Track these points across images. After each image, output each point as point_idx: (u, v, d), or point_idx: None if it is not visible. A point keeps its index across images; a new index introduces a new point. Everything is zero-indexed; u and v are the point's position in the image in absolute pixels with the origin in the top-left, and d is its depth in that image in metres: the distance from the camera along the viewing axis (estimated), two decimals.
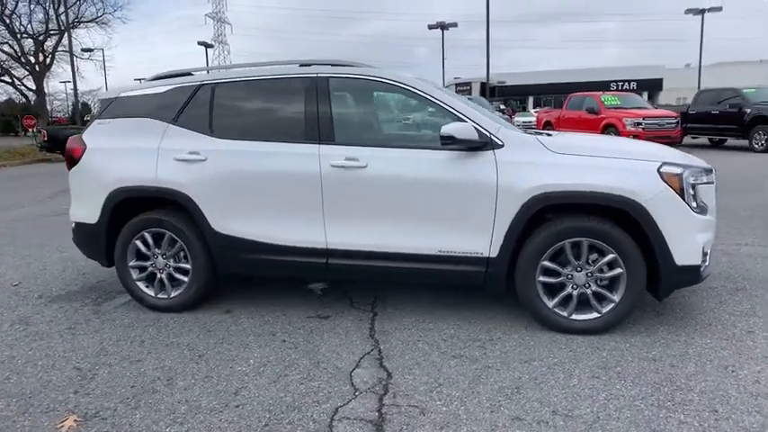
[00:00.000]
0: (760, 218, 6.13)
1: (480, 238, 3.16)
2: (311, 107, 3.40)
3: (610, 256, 3.05)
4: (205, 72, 3.78)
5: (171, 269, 3.67)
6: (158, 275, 3.69)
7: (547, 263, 3.12)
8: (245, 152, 3.43)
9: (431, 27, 36.81)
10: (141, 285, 3.73)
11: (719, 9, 31.69)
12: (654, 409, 2.38)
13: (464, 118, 3.20)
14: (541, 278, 3.15)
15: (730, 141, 16.39)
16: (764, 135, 14.08)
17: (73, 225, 3.88)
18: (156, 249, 3.66)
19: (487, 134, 3.14)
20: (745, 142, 14.84)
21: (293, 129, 3.44)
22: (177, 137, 3.57)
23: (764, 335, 3.09)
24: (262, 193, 3.41)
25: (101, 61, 38.23)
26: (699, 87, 33.59)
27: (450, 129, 3.04)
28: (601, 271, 3.10)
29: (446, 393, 2.58)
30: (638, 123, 14.70)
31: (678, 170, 2.99)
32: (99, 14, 32.16)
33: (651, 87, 48.30)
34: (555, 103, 40.72)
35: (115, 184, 3.60)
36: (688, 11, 32.64)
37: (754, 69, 42.77)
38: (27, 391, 2.69)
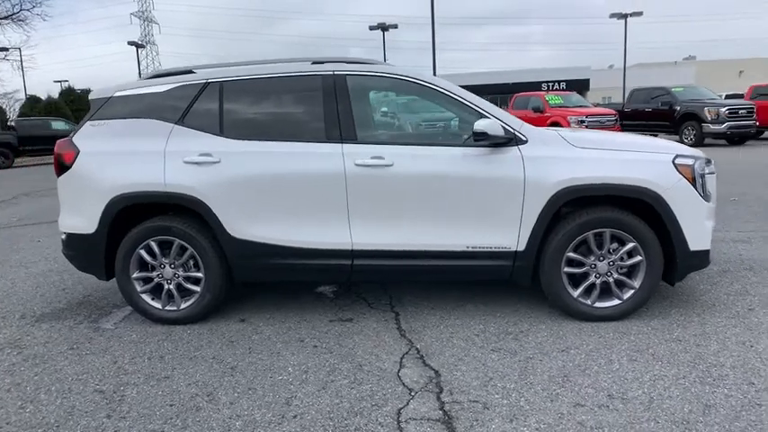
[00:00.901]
0: (721, 205, 6.64)
1: (508, 233, 3.21)
2: (330, 106, 3.32)
3: (630, 245, 3.20)
4: (208, 70, 3.59)
5: (180, 279, 3.46)
6: (166, 286, 3.47)
7: (571, 254, 3.23)
8: (263, 153, 3.30)
9: (371, 28, 36.92)
10: (146, 298, 3.49)
11: (641, 14, 34.09)
12: (698, 385, 2.53)
13: (488, 115, 3.24)
14: (566, 269, 3.25)
15: (662, 136, 17.65)
16: (693, 131, 15.28)
17: (63, 236, 3.57)
18: (164, 259, 3.43)
19: (512, 130, 3.21)
20: (675, 137, 16.05)
21: (312, 128, 3.34)
22: (185, 138, 3.37)
23: (764, 311, 3.36)
24: (283, 194, 3.29)
25: (18, 61, 35.23)
26: (623, 87, 35.93)
27: (482, 125, 3.08)
28: (621, 259, 3.24)
29: (501, 386, 2.60)
30: (582, 121, 15.48)
31: (690, 161, 3.20)
32: (15, 11, 29.69)
33: (579, 87, 51.04)
34: (493, 103, 42.01)
35: (116, 191, 3.34)
36: (612, 15, 34.87)
37: (671, 70, 46.29)
38: (51, 421, 2.44)
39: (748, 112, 14.70)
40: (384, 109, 3.70)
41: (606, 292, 3.29)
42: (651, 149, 3.26)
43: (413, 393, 2.58)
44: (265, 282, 4.10)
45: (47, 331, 3.48)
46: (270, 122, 3.41)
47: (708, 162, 3.38)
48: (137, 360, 3.02)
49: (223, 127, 3.38)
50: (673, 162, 3.17)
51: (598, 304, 3.28)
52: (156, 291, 3.50)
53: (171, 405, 2.54)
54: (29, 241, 6.27)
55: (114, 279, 3.52)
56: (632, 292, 3.25)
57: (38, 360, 3.06)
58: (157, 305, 3.49)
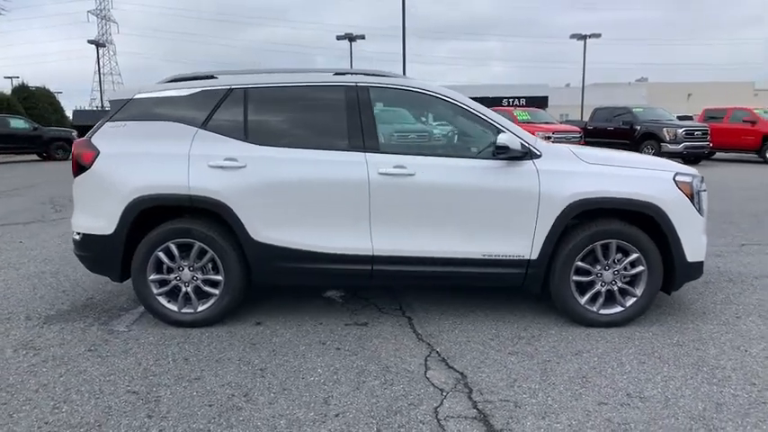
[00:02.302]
0: None
1: (523, 242, 3.39)
2: (354, 116, 3.43)
3: (634, 256, 3.43)
4: (230, 76, 3.63)
5: (199, 282, 3.46)
6: (183, 289, 3.46)
7: (580, 263, 3.44)
8: (288, 159, 3.36)
9: (339, 38, 37.08)
10: (162, 300, 3.47)
11: (599, 35, 35.76)
12: (706, 385, 2.76)
13: (504, 129, 3.43)
14: (575, 277, 3.46)
15: None
16: (652, 150, 16.13)
17: (78, 237, 3.51)
18: (182, 261, 3.43)
19: (527, 144, 3.40)
20: None
21: (336, 137, 3.43)
22: (209, 142, 3.40)
23: (750, 319, 3.66)
24: (306, 200, 3.36)
25: None
26: (582, 105, 37.49)
27: (505, 139, 3.25)
28: (625, 269, 3.47)
29: (526, 387, 2.76)
30: (549, 137, 16.09)
31: (689, 179, 3.47)
32: None
33: (538, 104, 52.95)
34: None
35: (137, 192, 3.33)
36: (573, 35, 36.41)
37: (624, 90, 48.61)
38: (91, 420, 2.42)
39: (703, 134, 15.67)
40: (407, 120, 3.83)
41: (609, 299, 3.52)
42: (653, 167, 3.53)
43: (444, 393, 2.70)
44: (278, 285, 4.14)
45: (59, 333, 3.41)
46: (294, 130, 3.48)
47: (702, 180, 3.68)
48: (161, 362, 3.01)
49: (248, 133, 3.43)
50: (674, 179, 3.44)
51: (603, 311, 3.50)
52: (173, 293, 3.50)
53: (210, 405, 2.56)
54: (9, 243, 6.03)
55: (115, 282, 3.49)
56: (634, 299, 3.48)
57: (58, 361, 3.01)
58: (173, 307, 3.47)
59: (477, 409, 2.55)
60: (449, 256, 3.40)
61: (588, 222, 3.42)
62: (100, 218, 3.41)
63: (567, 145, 3.98)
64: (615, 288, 3.49)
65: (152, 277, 3.44)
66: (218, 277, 3.45)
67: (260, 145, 3.40)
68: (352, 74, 3.60)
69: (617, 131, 17.36)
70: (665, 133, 15.48)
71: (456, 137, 4.05)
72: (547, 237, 3.37)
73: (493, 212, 3.37)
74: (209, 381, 2.80)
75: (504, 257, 3.40)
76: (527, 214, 3.36)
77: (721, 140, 16.67)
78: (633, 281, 3.50)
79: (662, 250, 3.45)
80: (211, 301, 3.47)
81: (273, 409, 2.53)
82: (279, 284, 4.11)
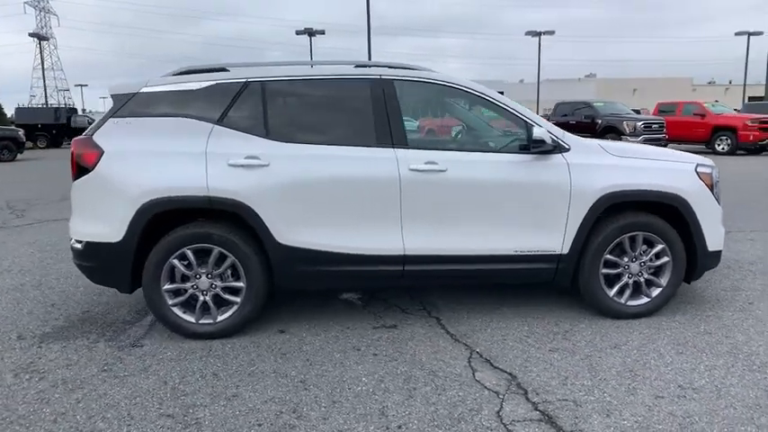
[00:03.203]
0: None
1: (554, 237, 3.35)
2: (380, 110, 3.28)
3: (659, 247, 3.46)
4: (244, 68, 3.39)
5: (218, 290, 3.22)
6: (201, 298, 3.22)
7: (609, 256, 3.44)
8: (314, 156, 3.17)
9: (298, 33, 36.47)
10: (178, 311, 3.21)
11: (553, 33, 36.81)
12: (749, 373, 2.80)
13: (533, 123, 3.37)
14: (604, 270, 3.45)
15: None
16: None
17: (80, 246, 3.19)
18: (200, 268, 3.18)
19: (556, 138, 3.36)
20: None
21: (362, 132, 3.27)
22: (227, 139, 3.16)
23: (762, 305, 3.77)
24: (335, 199, 3.18)
25: None
26: (537, 101, 38.50)
27: (540, 133, 3.19)
28: (651, 260, 3.50)
29: (579, 384, 2.71)
30: None
31: (709, 170, 3.53)
32: None
33: None
34: None
35: (150, 195, 3.05)
36: (528, 32, 37.34)
37: (575, 86, 50.37)
38: None
39: (660, 127, 16.37)
40: (434, 114, 3.72)
41: (636, 291, 3.53)
42: (675, 159, 3.57)
43: (501, 396, 2.61)
44: (293, 290, 3.93)
45: (61, 352, 3.09)
46: (317, 125, 3.30)
47: (718, 171, 3.75)
48: (189, 379, 2.78)
49: (269, 128, 3.21)
50: (695, 170, 3.49)
51: (630, 302, 3.51)
52: (189, 303, 3.24)
53: (259, 425, 2.37)
54: None
55: (124, 293, 3.22)
56: (660, 290, 3.52)
57: (70, 385, 2.71)
58: (190, 318, 3.22)
59: (540, 411, 2.48)
60: (480, 253, 3.32)
61: (616, 215, 3.41)
62: (106, 224, 3.11)
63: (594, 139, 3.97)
64: (642, 279, 3.51)
65: (166, 287, 3.18)
66: (239, 284, 3.22)
67: (282, 142, 3.19)
68: (373, 66, 3.45)
69: (579, 125, 17.85)
70: (626, 126, 16.06)
71: (483, 131, 3.96)
72: (578, 231, 3.34)
73: (524, 207, 3.31)
74: (250, 397, 2.60)
75: (535, 253, 3.35)
76: (558, 208, 3.32)
77: (674, 132, 17.44)
78: (658, 271, 3.53)
79: (684, 240, 3.50)
80: (232, 310, 3.24)
81: (329, 424, 2.37)
82: (303, 290, 3.92)
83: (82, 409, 2.49)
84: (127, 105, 3.20)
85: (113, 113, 3.20)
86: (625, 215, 3.41)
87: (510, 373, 2.83)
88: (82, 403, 2.55)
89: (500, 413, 2.46)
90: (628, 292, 3.50)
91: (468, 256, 3.32)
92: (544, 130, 3.25)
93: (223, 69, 3.40)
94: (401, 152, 3.24)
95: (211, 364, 2.95)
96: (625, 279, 3.49)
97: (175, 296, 3.21)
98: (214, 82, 3.25)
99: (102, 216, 3.13)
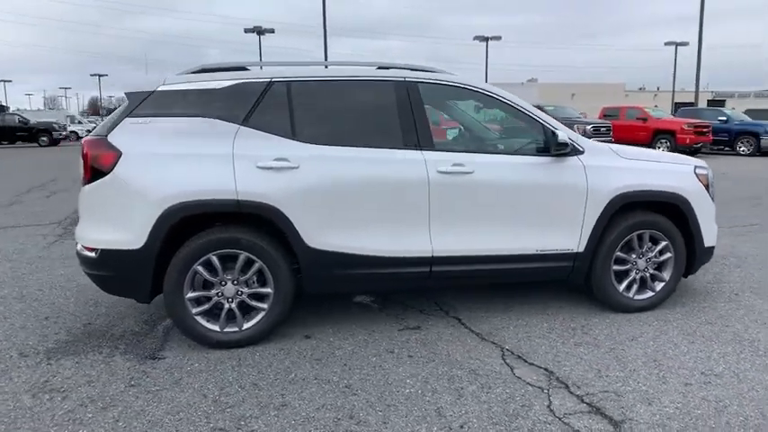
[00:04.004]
0: None
1: (572, 236, 3.49)
2: (406, 112, 3.29)
3: (663, 244, 3.68)
4: (267, 68, 3.29)
5: (244, 296, 3.12)
6: (226, 306, 3.10)
7: (619, 253, 3.62)
8: (343, 158, 3.14)
9: (247, 31, 35.61)
10: (201, 320, 3.08)
11: (500, 38, 38.05)
12: (758, 358, 3.03)
13: (550, 127, 3.49)
14: (615, 267, 3.63)
15: None
16: None
17: (93, 254, 2.99)
18: (225, 275, 3.07)
19: (572, 141, 3.49)
20: None
21: (389, 134, 3.27)
22: (254, 140, 3.06)
23: (746, 295, 4.09)
24: (365, 201, 3.16)
25: None
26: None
27: (564, 137, 3.31)
28: (655, 256, 3.71)
29: (613, 376, 2.84)
30: None
31: (705, 171, 3.79)
32: None
33: None
34: None
35: (174, 199, 2.91)
36: (476, 37, 38.38)
37: (518, 90, 52.16)
38: None
39: (607, 130, 17.31)
40: (458, 117, 3.75)
41: (641, 286, 3.74)
42: (675, 160, 3.81)
43: (546, 391, 2.69)
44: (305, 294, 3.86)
45: (77, 369, 2.88)
46: (344, 127, 3.26)
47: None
48: (228, 390, 2.67)
49: (295, 130, 3.15)
50: (694, 171, 3.74)
51: (637, 297, 3.71)
52: (212, 311, 3.11)
53: None
54: None
55: (142, 302, 3.06)
56: (663, 284, 3.74)
57: (101, 403, 2.54)
58: (215, 327, 3.10)
59: (586, 403, 2.57)
60: (505, 253, 3.40)
61: (626, 214, 3.59)
62: (125, 230, 2.94)
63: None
64: (647, 275, 3.72)
65: (189, 295, 3.04)
66: (266, 290, 3.13)
67: (310, 143, 3.13)
68: (395, 68, 3.45)
69: None
70: (576, 129, 16.81)
71: (505, 133, 4.05)
72: (593, 230, 3.50)
73: (545, 208, 3.43)
74: (300, 406, 2.53)
75: (555, 252, 3.47)
76: (576, 208, 3.46)
77: (619, 135, 18.45)
78: (660, 267, 3.75)
79: (684, 237, 3.73)
80: (258, 317, 3.14)
81: (391, 428, 2.36)
82: (330, 294, 3.88)
83: (123, 429, 2.34)
84: (143, 105, 3.04)
85: (129, 113, 3.02)
86: (634, 214, 3.60)
87: (546, 369, 2.93)
88: (121, 422, 2.39)
89: (550, 407, 2.54)
90: (635, 287, 3.70)
91: (492, 256, 3.40)
92: (563, 133, 3.38)
93: (243, 68, 3.30)
94: (428, 154, 3.27)
95: (246, 373, 2.85)
96: (633, 275, 3.69)
97: (198, 304, 3.08)
98: (237, 81, 3.14)
99: (120, 222, 2.95)
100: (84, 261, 3.08)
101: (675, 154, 4.09)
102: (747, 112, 20.59)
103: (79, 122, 40.48)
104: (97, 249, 2.98)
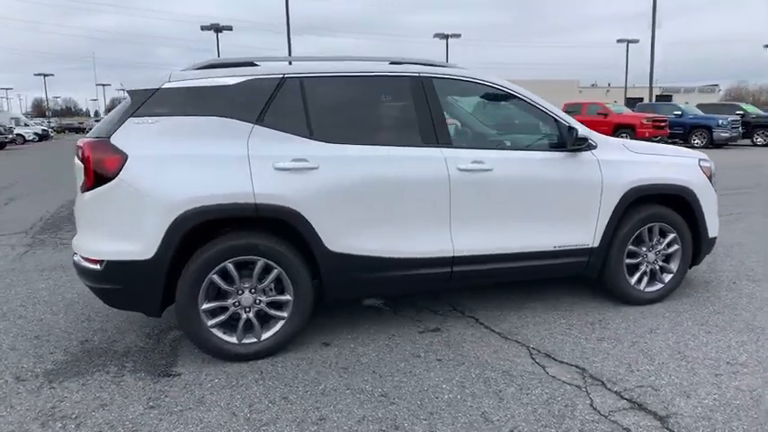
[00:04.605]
0: None
1: (587, 231, 3.48)
2: (422, 108, 3.19)
3: (671, 236, 3.73)
4: (276, 63, 3.12)
5: (263, 305, 2.94)
6: (244, 316, 2.92)
7: (631, 246, 3.64)
8: (364, 158, 3.01)
9: (204, 28, 34.64)
10: (218, 332, 2.89)
11: (459, 36, 38.49)
12: None
13: (564, 122, 3.47)
14: (627, 260, 3.65)
15: None
16: None
17: (98, 266, 2.75)
18: (243, 283, 2.89)
19: (587, 136, 3.49)
20: None
21: (407, 131, 3.17)
22: (269, 140, 2.89)
23: (743, 283, 4.22)
24: (386, 202, 3.05)
25: None
26: None
27: (583, 131, 3.29)
28: (664, 249, 3.76)
29: (645, 370, 2.84)
30: None
31: (708, 164, 3.87)
32: None
33: None
34: None
35: (188, 204, 2.71)
36: (436, 35, 38.68)
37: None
38: None
39: None
40: (473, 112, 3.68)
41: (651, 278, 3.78)
42: (681, 154, 3.87)
43: (583, 389, 2.66)
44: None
45: (85, 392, 2.64)
46: (361, 124, 3.13)
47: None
48: (258, 407, 2.51)
49: (312, 128, 2.99)
50: (699, 164, 3.81)
51: (647, 289, 3.75)
52: (229, 323, 2.93)
53: None
54: None
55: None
56: (671, 276, 3.79)
57: (122, 429, 2.33)
58: (232, 339, 2.92)
59: (626, 399, 2.56)
60: (524, 250, 3.36)
61: (637, 208, 3.62)
62: (133, 239, 2.71)
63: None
64: (657, 267, 3.77)
65: (204, 306, 2.84)
66: (285, 297, 2.97)
67: (328, 142, 2.99)
68: (408, 63, 3.35)
69: None
70: None
71: (518, 129, 4.00)
72: (607, 224, 3.51)
73: (563, 203, 3.41)
74: (339, 419, 2.40)
75: (572, 247, 3.47)
76: (591, 203, 3.46)
77: None
78: (668, 259, 3.81)
79: (690, 229, 3.80)
80: (278, 327, 2.98)
81: None
82: (353, 298, 3.75)
83: None
84: (148, 103, 2.81)
85: (132, 112, 2.80)
86: (645, 208, 3.63)
87: (577, 366, 2.90)
88: None
89: (593, 406, 2.51)
90: (645, 280, 3.74)
91: (511, 254, 3.35)
92: (582, 128, 3.37)
93: (252, 64, 3.11)
94: (447, 151, 3.18)
95: (273, 387, 2.69)
96: (643, 268, 3.73)
97: (213, 316, 2.89)
98: (249, 77, 2.96)
99: (127, 230, 2.73)
100: (86, 274, 2.83)
101: (678, 147, 4.18)
102: (699, 106, 21.60)
103: (26, 125, 38.35)
104: (102, 261, 2.74)
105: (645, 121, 17.78)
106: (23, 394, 2.64)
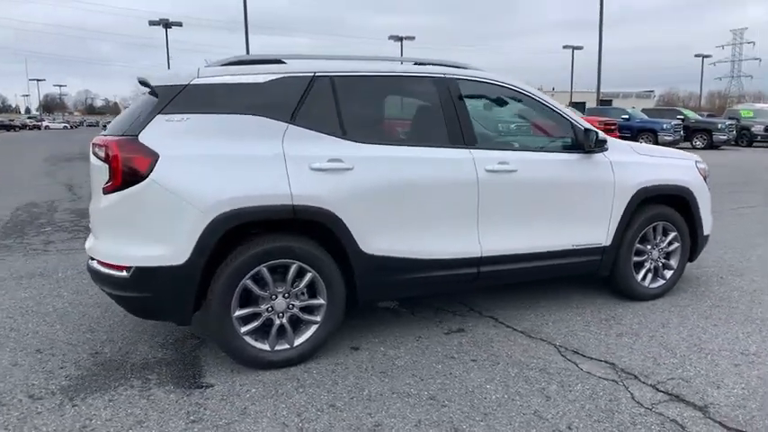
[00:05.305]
0: None
1: (601, 230, 3.60)
2: (449, 109, 3.19)
3: (672, 234, 3.92)
4: (305, 61, 3.01)
5: (296, 310, 2.84)
6: (277, 321, 2.81)
7: (638, 245, 3.79)
8: (396, 158, 2.97)
9: (152, 23, 33.17)
10: (250, 340, 2.77)
11: (413, 38, 38.97)
12: None
13: (580, 125, 3.57)
14: (634, 258, 3.80)
15: None
16: None
17: (125, 273, 2.56)
18: (277, 288, 2.78)
19: (606, 138, 3.60)
20: None
21: (436, 132, 3.16)
22: (304, 140, 2.80)
23: (730, 278, 4.48)
24: (419, 203, 3.02)
25: None
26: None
27: (601, 133, 3.39)
28: (666, 246, 3.94)
29: (670, 363, 2.96)
30: None
31: (704, 165, 4.09)
32: None
33: None
34: None
35: (225, 206, 2.58)
36: (391, 37, 38.95)
37: None
38: None
39: None
40: (496, 114, 3.70)
41: (654, 275, 3.95)
42: (680, 156, 4.07)
43: (620, 384, 2.74)
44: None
45: (114, 408, 2.46)
46: (392, 124, 3.10)
47: None
48: (308, 416, 2.42)
49: (344, 128, 2.92)
50: (696, 165, 4.02)
51: (651, 285, 3.92)
52: (261, 329, 2.81)
53: None
54: None
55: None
56: (672, 272, 3.98)
57: None
58: (264, 347, 2.80)
59: (663, 392, 2.66)
60: (545, 250, 3.43)
61: (644, 207, 3.77)
62: (165, 243, 2.55)
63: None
64: (660, 264, 3.94)
65: (237, 313, 2.72)
66: (319, 301, 2.89)
67: (361, 142, 2.93)
68: (432, 64, 3.34)
69: None
70: None
71: (534, 131, 4.05)
72: (618, 223, 3.64)
73: (580, 203, 3.50)
74: (396, 424, 2.36)
75: (588, 246, 3.57)
76: (605, 203, 3.58)
77: None
78: (669, 256, 3.99)
79: (688, 227, 4.00)
80: (311, 331, 2.89)
81: None
82: (384, 301, 3.70)
83: None
84: (176, 100, 2.66)
85: (161, 109, 2.63)
86: (651, 207, 3.80)
87: (606, 362, 2.98)
88: None
89: (635, 399, 2.59)
90: (650, 277, 3.91)
91: (534, 253, 3.41)
92: (598, 131, 3.48)
93: (279, 61, 3.01)
94: (475, 152, 3.20)
95: (316, 394, 2.61)
96: (647, 265, 3.89)
97: (245, 323, 2.77)
98: (280, 75, 2.85)
99: (158, 234, 2.56)
100: (108, 281, 2.64)
101: (674, 149, 4.40)
102: (644, 110, 22.84)
103: None
104: (130, 267, 2.56)
105: (597, 125, 18.59)
106: (45, 414, 2.43)
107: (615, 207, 3.61)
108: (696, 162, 4.08)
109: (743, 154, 19.27)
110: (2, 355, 3.02)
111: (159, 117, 2.62)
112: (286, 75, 2.88)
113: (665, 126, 19.68)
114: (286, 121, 2.80)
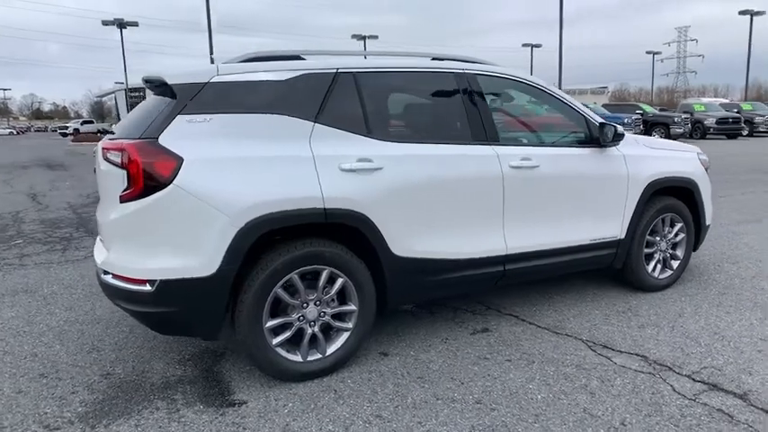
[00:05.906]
0: None
1: (617, 223, 3.62)
2: (470, 105, 3.13)
3: (679, 225, 3.99)
4: (326, 57, 2.88)
5: (328, 317, 2.72)
6: (309, 330, 2.68)
7: (649, 237, 3.84)
8: (424, 156, 2.88)
9: (105, 23, 31.81)
10: (282, 352, 2.62)
11: (377, 37, 38.92)
12: None
13: (594, 120, 3.57)
14: (645, 250, 3.85)
15: None
16: None
17: (149, 287, 2.37)
18: (308, 295, 2.64)
19: (623, 132, 3.62)
20: None
21: (460, 128, 3.09)
22: (331, 140, 2.67)
23: (727, 266, 4.61)
24: (447, 201, 2.95)
25: None
26: None
27: (621, 128, 3.40)
28: (673, 237, 4.01)
29: (697, 352, 3.00)
30: None
31: (705, 157, 4.19)
32: None
33: None
34: None
35: (256, 212, 2.42)
36: (354, 35, 38.79)
37: None
38: None
39: None
40: (514, 110, 3.65)
41: (663, 265, 4.02)
42: (683, 148, 4.15)
43: (658, 376, 2.74)
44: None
45: None
46: (414, 121, 3.01)
47: None
48: (355, 429, 2.31)
49: (370, 126, 2.81)
50: (698, 157, 4.10)
51: (660, 276, 3.98)
52: (293, 339, 2.67)
53: None
54: None
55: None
56: (678, 262, 4.06)
57: None
58: (296, 358, 2.66)
59: (700, 382, 2.68)
60: (567, 245, 3.42)
61: (654, 200, 3.82)
62: (191, 254, 2.38)
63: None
64: (668, 255, 4.01)
65: (269, 324, 2.57)
66: (350, 307, 2.77)
67: (387, 141, 2.83)
68: (449, 60, 3.26)
69: None
70: None
71: (552, 126, 4.02)
72: (632, 216, 3.67)
73: (598, 197, 3.52)
74: (449, 431, 2.27)
75: (605, 240, 3.58)
76: (620, 196, 3.60)
77: None
78: (675, 246, 4.07)
79: (692, 217, 4.09)
80: (343, 339, 2.77)
81: None
82: (414, 304, 3.60)
83: None
84: (197, 99, 2.48)
85: (181, 109, 2.45)
86: (660, 199, 3.85)
87: (638, 354, 2.99)
88: None
89: (676, 390, 2.60)
90: (659, 267, 3.97)
91: (556, 249, 3.39)
92: (617, 126, 3.50)
93: (298, 57, 2.87)
94: (498, 149, 3.15)
95: (357, 405, 2.49)
96: (657, 256, 3.95)
97: (276, 334, 2.62)
98: (302, 72, 2.72)
99: (184, 244, 2.38)
100: (128, 297, 2.44)
101: (677, 142, 4.48)
102: (605, 106, 23.55)
103: None
104: (155, 281, 2.37)
105: None
106: None
107: (629, 200, 3.65)
108: (698, 154, 4.17)
109: (700, 146, 20.11)
110: (4, 382, 2.77)
111: (180, 118, 2.44)
112: (309, 71, 2.74)
113: (626, 121, 20.32)
114: (311, 120, 2.67)
